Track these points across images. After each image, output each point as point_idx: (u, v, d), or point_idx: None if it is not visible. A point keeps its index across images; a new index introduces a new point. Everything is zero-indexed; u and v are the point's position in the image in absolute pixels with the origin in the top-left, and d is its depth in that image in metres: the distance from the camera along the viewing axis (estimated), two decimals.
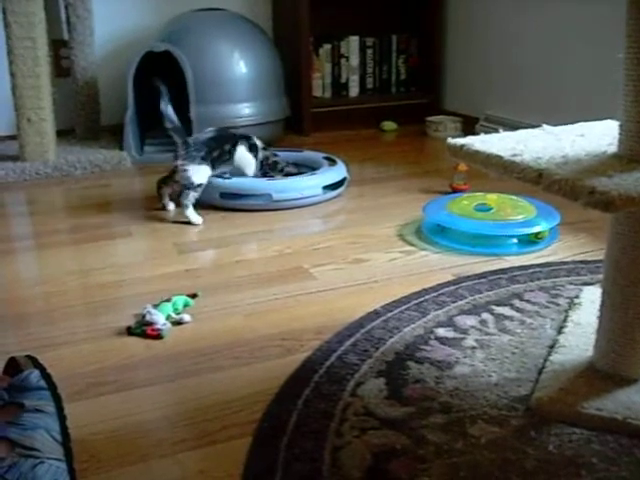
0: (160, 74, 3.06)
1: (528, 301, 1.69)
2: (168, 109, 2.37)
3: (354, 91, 3.78)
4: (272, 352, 1.51)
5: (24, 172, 2.85)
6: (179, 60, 3.01)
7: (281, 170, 2.59)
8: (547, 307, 1.65)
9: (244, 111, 3.13)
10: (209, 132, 2.48)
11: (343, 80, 3.75)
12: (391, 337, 1.53)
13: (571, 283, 1.77)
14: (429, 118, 3.54)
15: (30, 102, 2.85)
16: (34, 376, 1.18)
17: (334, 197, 2.54)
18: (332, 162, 2.65)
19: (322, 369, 1.42)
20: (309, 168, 2.64)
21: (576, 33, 2.87)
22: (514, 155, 1.22)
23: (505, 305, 1.67)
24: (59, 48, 3.31)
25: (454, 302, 1.69)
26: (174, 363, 1.48)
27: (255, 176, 2.54)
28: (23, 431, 1.06)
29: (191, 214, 2.33)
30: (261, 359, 1.48)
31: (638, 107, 1.16)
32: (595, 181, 1.07)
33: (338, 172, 2.58)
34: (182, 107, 3.05)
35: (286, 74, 3.38)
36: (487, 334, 1.54)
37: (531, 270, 1.87)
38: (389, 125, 3.64)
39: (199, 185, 2.35)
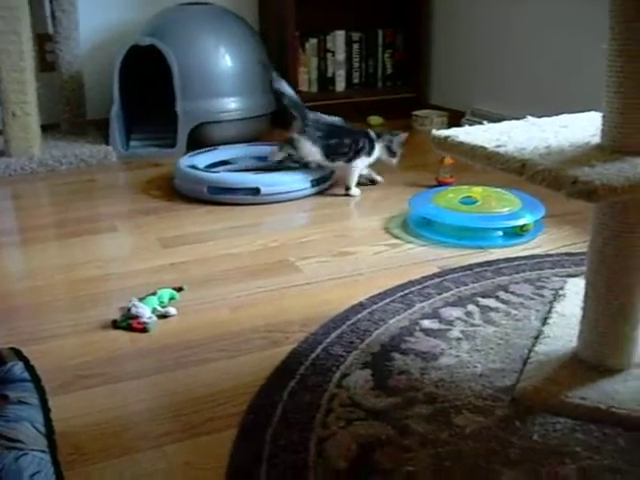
0: (145, 68, 3.07)
1: (513, 293, 1.69)
2: (283, 85, 2.52)
3: (340, 86, 3.77)
4: (258, 344, 1.51)
5: (9, 167, 2.84)
6: (165, 54, 2.99)
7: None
8: (532, 299, 1.66)
9: (230, 105, 3.12)
10: (334, 119, 2.56)
11: (329, 75, 3.74)
12: (376, 329, 1.54)
13: (556, 275, 1.78)
14: (415, 112, 3.54)
15: (15, 97, 2.83)
16: (18, 368, 1.18)
17: (321, 191, 2.54)
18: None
19: (308, 361, 1.42)
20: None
21: (559, 26, 2.87)
22: (498, 146, 1.23)
23: (490, 297, 1.68)
24: (44, 42, 3.28)
25: (439, 294, 1.70)
26: (160, 356, 1.48)
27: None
28: (6, 423, 1.06)
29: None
30: (247, 351, 1.48)
31: (620, 99, 1.17)
32: (578, 171, 1.08)
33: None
34: (168, 102, 3.05)
35: (272, 68, 3.37)
36: (472, 325, 1.55)
37: (516, 262, 1.87)
38: (375, 119, 3.63)
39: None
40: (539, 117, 1.44)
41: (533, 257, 1.91)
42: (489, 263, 1.87)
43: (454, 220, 2.08)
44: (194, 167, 2.53)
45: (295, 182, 2.47)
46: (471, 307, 1.63)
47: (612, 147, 1.19)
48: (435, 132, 1.36)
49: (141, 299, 1.65)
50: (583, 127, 1.35)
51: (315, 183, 2.52)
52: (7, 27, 2.76)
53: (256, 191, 2.40)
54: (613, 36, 1.18)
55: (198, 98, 3.07)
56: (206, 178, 2.45)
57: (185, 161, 2.60)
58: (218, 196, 2.42)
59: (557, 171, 1.09)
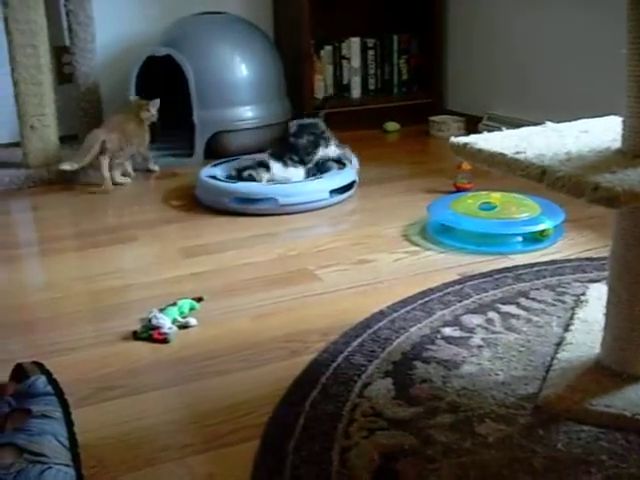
0: (162, 79, 3.08)
1: (534, 299, 1.68)
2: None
3: (356, 92, 3.78)
4: (278, 354, 1.51)
5: (28, 179, 2.85)
6: (181, 64, 3.01)
7: None
8: (553, 305, 1.65)
9: (246, 114, 3.13)
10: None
11: (345, 81, 3.75)
12: (397, 337, 1.53)
13: (577, 280, 1.77)
14: (432, 118, 3.53)
15: (33, 109, 2.85)
16: (41, 382, 1.18)
17: (340, 201, 2.53)
18: (341, 165, 2.64)
19: (329, 370, 1.41)
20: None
21: (578, 30, 2.86)
22: (517, 153, 1.22)
23: (511, 303, 1.67)
24: (61, 55, 3.31)
25: (460, 301, 1.69)
26: (180, 367, 1.48)
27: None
28: (30, 437, 1.06)
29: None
30: (267, 361, 1.48)
31: None
32: (599, 177, 1.07)
33: (345, 176, 2.57)
34: (184, 111, 3.06)
35: (288, 76, 3.38)
36: (493, 333, 1.54)
37: (536, 268, 1.86)
38: (392, 126, 3.63)
39: None
40: (557, 122, 1.43)
41: (553, 262, 1.90)
42: (509, 269, 1.86)
43: (473, 226, 2.07)
44: (214, 178, 2.53)
45: (314, 192, 2.46)
46: (492, 314, 1.62)
47: (633, 152, 1.18)
48: (453, 139, 1.35)
49: (161, 310, 1.65)
50: (603, 132, 1.34)
51: (334, 193, 2.51)
52: (25, 40, 2.78)
53: (275, 201, 2.40)
54: (631, 40, 1.17)
55: (214, 107, 3.08)
56: (227, 189, 2.45)
57: (206, 172, 2.60)
58: (240, 206, 2.42)
59: (578, 177, 1.08)
